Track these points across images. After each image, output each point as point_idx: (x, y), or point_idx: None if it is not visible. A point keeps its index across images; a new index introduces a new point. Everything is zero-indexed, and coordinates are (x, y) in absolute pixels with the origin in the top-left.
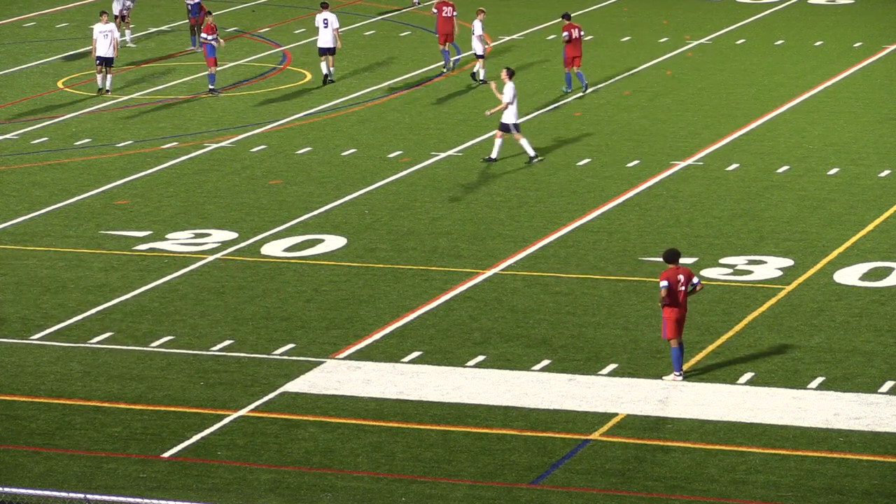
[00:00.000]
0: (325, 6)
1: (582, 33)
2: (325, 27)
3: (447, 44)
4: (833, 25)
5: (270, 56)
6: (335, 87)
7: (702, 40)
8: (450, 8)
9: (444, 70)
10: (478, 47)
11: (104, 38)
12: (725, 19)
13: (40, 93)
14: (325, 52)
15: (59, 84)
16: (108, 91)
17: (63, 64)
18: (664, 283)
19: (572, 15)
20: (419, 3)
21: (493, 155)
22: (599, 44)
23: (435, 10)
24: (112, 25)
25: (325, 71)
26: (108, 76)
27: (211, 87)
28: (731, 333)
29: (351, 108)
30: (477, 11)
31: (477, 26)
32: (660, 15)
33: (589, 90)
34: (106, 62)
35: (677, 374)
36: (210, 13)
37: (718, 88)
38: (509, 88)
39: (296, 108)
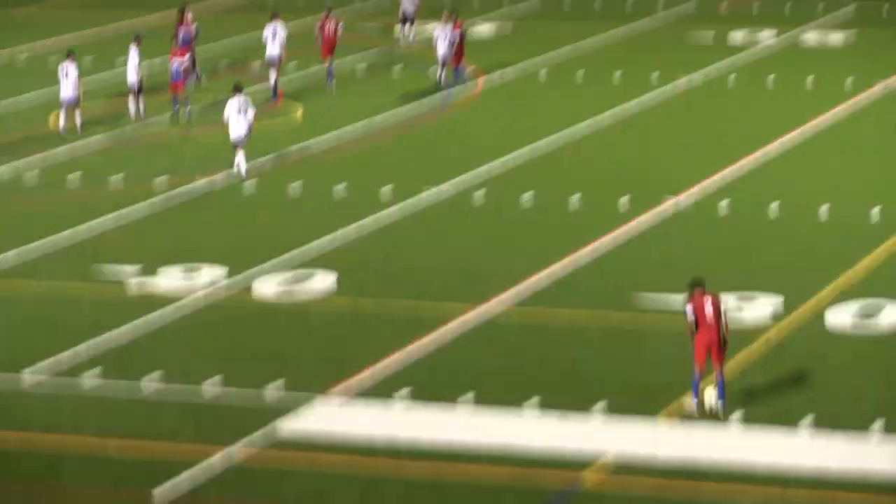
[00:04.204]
0: (275, 16)
1: (462, 32)
2: (274, 39)
3: (329, 59)
4: (824, 65)
5: (262, 94)
6: (326, 123)
7: (693, 78)
8: (333, 23)
9: (328, 87)
10: (444, 49)
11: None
12: (717, 57)
13: (32, 130)
14: (271, 60)
15: (51, 120)
16: (142, 115)
17: (55, 100)
18: (688, 308)
19: None
20: (412, 40)
21: (242, 172)
22: (591, 81)
23: (318, 27)
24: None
25: (271, 81)
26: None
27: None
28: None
29: (343, 146)
30: (446, 17)
31: (449, 33)
32: (652, 53)
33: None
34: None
35: (694, 401)
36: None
37: (710, 127)
38: (230, 104)
39: (287, 142)
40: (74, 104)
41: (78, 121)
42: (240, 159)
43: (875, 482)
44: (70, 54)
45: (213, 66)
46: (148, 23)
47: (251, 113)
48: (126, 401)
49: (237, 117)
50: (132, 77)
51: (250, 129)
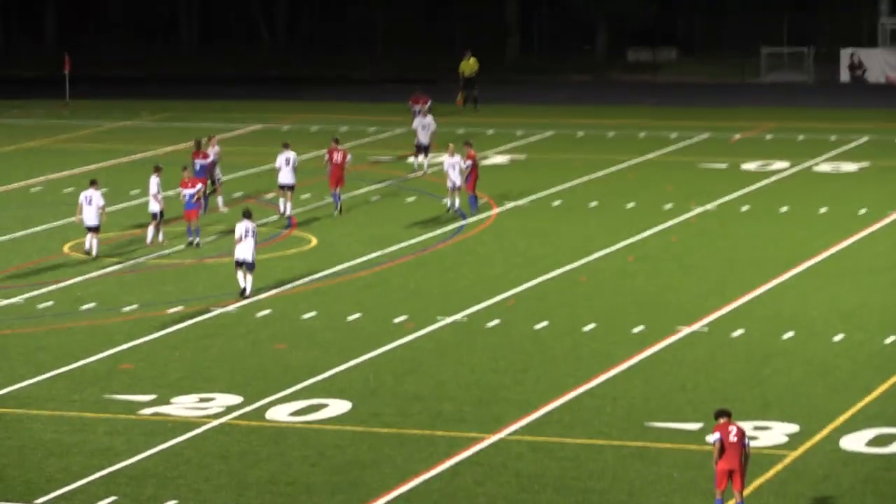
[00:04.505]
0: (286, 146)
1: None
2: (287, 165)
3: (338, 187)
4: (838, 192)
5: (276, 221)
6: (340, 253)
7: (706, 206)
8: (340, 153)
9: (335, 214)
10: (456, 178)
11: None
12: (730, 186)
13: (45, 257)
14: (284, 187)
15: (65, 248)
16: (161, 242)
17: (69, 228)
18: (716, 436)
19: None
20: (426, 169)
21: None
22: (604, 209)
23: (327, 156)
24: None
25: (281, 208)
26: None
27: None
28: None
29: (356, 273)
30: (452, 148)
31: (458, 162)
32: (664, 181)
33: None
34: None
35: None
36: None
37: (723, 254)
38: (238, 227)
39: (301, 272)
40: (96, 230)
41: (95, 247)
42: (243, 280)
43: None
44: (93, 182)
45: (228, 195)
46: (160, 156)
47: (256, 238)
48: None
49: (245, 240)
50: (154, 206)
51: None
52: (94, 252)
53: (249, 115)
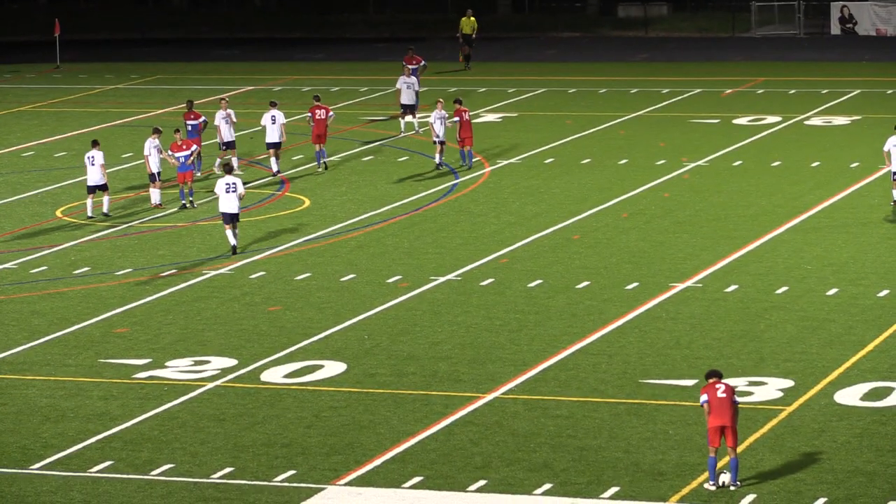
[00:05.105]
0: (273, 104)
1: (468, 116)
2: (273, 123)
3: (319, 145)
4: (830, 146)
5: (269, 181)
6: (332, 213)
7: (699, 162)
8: (323, 111)
9: (318, 170)
10: (440, 131)
11: (158, 152)
12: (722, 141)
13: (38, 222)
14: (271, 146)
15: (58, 213)
16: (158, 204)
17: (61, 193)
18: (703, 398)
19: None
20: (417, 129)
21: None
22: (597, 167)
23: (309, 114)
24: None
25: (273, 168)
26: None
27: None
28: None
29: (349, 234)
30: (442, 104)
31: (442, 116)
32: (657, 137)
33: (471, 169)
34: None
35: (711, 482)
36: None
37: (716, 210)
38: (219, 182)
39: (294, 234)
40: (103, 189)
41: (105, 205)
42: (233, 237)
43: None
44: (95, 143)
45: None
46: (152, 118)
47: (241, 190)
48: (136, 492)
49: (226, 196)
50: (154, 167)
51: (240, 200)
52: (93, 208)
53: (240, 77)
